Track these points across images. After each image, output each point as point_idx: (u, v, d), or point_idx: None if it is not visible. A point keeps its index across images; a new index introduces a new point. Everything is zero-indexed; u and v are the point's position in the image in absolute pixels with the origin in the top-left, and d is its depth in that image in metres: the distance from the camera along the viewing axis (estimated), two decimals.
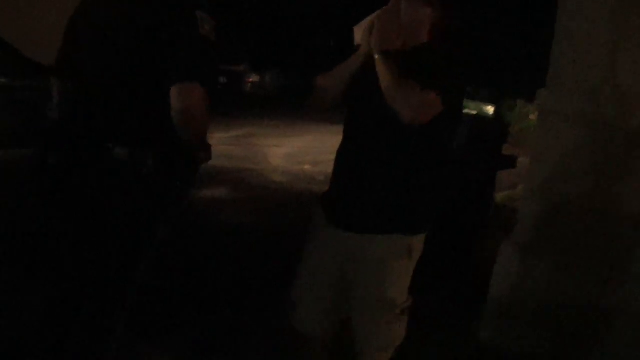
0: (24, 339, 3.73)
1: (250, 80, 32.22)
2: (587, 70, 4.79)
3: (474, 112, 24.38)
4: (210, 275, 6.12)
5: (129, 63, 3.18)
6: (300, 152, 14.67)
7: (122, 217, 3.20)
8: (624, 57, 4.67)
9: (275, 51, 38.32)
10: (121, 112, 3.18)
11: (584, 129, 4.80)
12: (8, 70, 6.67)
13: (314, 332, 3.54)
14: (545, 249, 5.00)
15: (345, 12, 43.46)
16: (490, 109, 26.41)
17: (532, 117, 24.05)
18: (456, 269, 6.08)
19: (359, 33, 3.35)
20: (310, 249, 3.49)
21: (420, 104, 3.06)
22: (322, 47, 43.27)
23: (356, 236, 3.30)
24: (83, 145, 3.21)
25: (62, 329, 3.35)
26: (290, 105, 27.17)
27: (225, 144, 14.96)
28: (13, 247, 5.62)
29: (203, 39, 3.15)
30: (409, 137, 3.19)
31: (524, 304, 5.02)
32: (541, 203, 5.00)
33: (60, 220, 3.38)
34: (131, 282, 3.36)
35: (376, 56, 3.18)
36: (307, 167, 12.14)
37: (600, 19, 4.70)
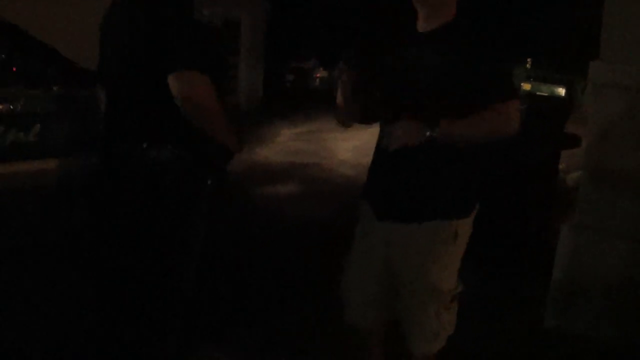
0: (81, 343, 3.81)
1: (319, 75, 32.23)
2: (638, 39, 4.68)
3: (545, 94, 24.10)
4: (280, 271, 6.15)
5: (135, 61, 3.20)
6: (367, 144, 14.00)
7: (161, 214, 3.25)
8: None
9: (342, 45, 38.19)
10: (141, 111, 3.22)
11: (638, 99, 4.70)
12: (64, 79, 6.78)
13: (365, 326, 3.55)
14: (605, 228, 4.90)
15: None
16: (561, 91, 25.99)
17: None
18: (519, 253, 6.01)
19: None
20: (357, 243, 3.50)
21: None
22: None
23: (399, 226, 3.27)
24: (119, 147, 3.27)
25: (118, 332, 3.41)
26: None
27: (293, 140, 15.03)
28: (71, 250, 5.71)
29: (200, 25, 3.12)
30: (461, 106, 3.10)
31: (587, 288, 4.94)
32: (599, 180, 4.90)
33: (112, 223, 3.44)
34: (185, 280, 3.39)
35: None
36: None
37: None
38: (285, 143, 14.57)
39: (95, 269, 3.54)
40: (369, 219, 3.39)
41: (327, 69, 32.95)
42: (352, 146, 14.06)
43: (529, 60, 27.98)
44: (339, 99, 3.40)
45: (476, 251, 3.52)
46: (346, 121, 3.57)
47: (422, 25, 3.23)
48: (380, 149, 3.29)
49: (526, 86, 25.94)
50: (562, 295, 5.05)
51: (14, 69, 7.02)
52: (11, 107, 6.34)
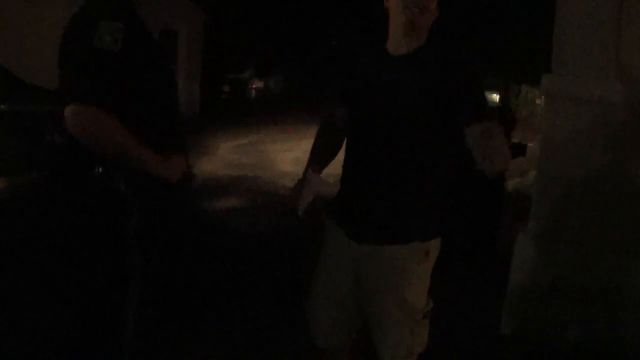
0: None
1: (255, 86, 32.32)
2: (590, 50, 4.72)
3: None
4: (226, 286, 6.04)
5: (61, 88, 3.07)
6: (308, 156, 14.09)
7: (103, 234, 3.10)
8: (628, 34, 4.62)
9: (278, 56, 38.37)
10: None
11: (592, 110, 4.74)
12: (8, 96, 6.66)
13: (332, 345, 3.48)
14: (561, 235, 4.94)
15: (345, 11, 43.60)
16: (495, 97, 26.42)
17: (539, 101, 24.07)
18: (474, 263, 6.04)
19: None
20: (323, 262, 3.40)
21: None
22: (324, 47, 43.30)
23: (372, 246, 3.20)
24: (72, 167, 3.16)
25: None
26: (295, 109, 27.33)
27: (234, 153, 14.99)
28: (24, 265, 5.60)
29: (99, 52, 2.88)
30: (424, 142, 3.11)
31: (543, 294, 4.96)
32: (554, 189, 4.94)
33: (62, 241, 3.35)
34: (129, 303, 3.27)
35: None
36: None
37: None
38: (224, 156, 14.52)
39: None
40: (337, 237, 3.29)
41: (263, 80, 33.13)
42: (292, 157, 14.07)
43: None
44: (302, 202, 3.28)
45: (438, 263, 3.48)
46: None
47: (395, 49, 3.17)
48: (351, 170, 3.26)
49: None
50: (518, 301, 5.08)
51: None
52: None
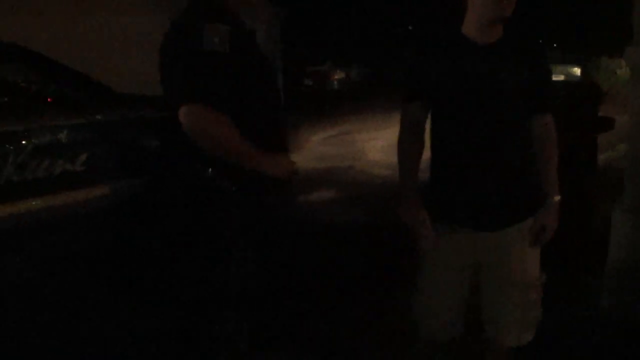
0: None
1: (336, 77, 32.27)
2: None
3: (562, 77, 24.05)
4: (325, 279, 6.17)
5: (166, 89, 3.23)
6: (397, 143, 13.95)
7: (213, 233, 3.26)
8: None
9: (357, 44, 38.26)
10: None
11: None
12: (102, 106, 6.85)
13: (447, 338, 3.61)
14: None
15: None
16: (577, 71, 25.95)
17: (620, 72, 23.56)
18: (570, 239, 6.04)
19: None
20: (434, 259, 3.48)
21: None
22: (401, 33, 43.04)
23: (494, 233, 3.35)
24: (180, 170, 3.28)
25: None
26: (380, 96, 27.19)
27: (323, 145, 15.04)
28: (129, 273, 5.83)
29: (209, 54, 3.01)
30: (517, 125, 3.31)
31: None
32: None
33: (168, 243, 3.51)
34: (240, 294, 3.39)
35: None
36: None
37: None
38: (314, 149, 14.62)
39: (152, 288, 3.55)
40: (451, 232, 3.39)
41: (343, 70, 33.07)
42: (381, 146, 14.03)
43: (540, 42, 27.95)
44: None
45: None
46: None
47: (481, 38, 3.27)
48: (453, 159, 3.35)
49: None
50: (616, 276, 5.07)
51: (49, 99, 7.11)
52: (55, 138, 6.42)
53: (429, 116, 3.45)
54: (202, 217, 3.26)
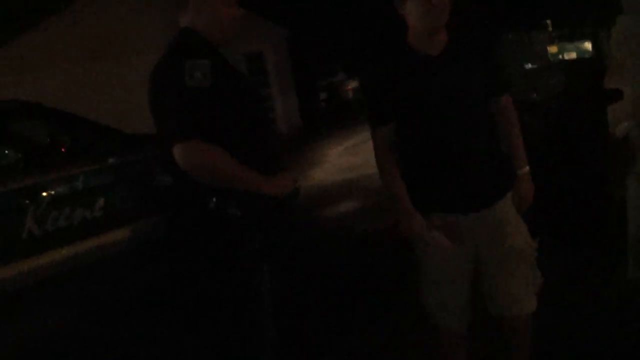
0: None
1: (350, 87, 32.28)
2: None
3: (573, 55, 23.91)
4: (354, 287, 6.20)
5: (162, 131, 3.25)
6: None
7: (231, 261, 3.28)
8: None
9: (365, 53, 38.22)
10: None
11: None
12: (113, 149, 6.94)
13: (459, 325, 3.71)
14: None
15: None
16: (588, 45, 25.83)
17: None
18: (591, 212, 6.03)
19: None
20: (436, 253, 3.54)
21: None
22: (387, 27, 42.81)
23: (482, 213, 3.46)
24: (190, 203, 3.30)
25: None
26: None
27: (343, 156, 15.07)
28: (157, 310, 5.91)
29: (192, 90, 3.04)
30: (481, 112, 3.46)
31: None
32: None
33: (189, 276, 3.55)
34: (266, 321, 3.41)
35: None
36: None
37: None
38: (334, 161, 14.68)
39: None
40: (442, 222, 3.47)
41: (356, 79, 33.03)
42: None
43: (548, 22, 27.86)
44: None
45: (548, 218, 3.71)
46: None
47: (429, 49, 3.38)
48: (427, 161, 3.46)
49: (553, 49, 25.81)
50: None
51: (63, 149, 7.20)
52: (71, 187, 6.50)
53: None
54: (216, 246, 3.28)
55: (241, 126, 3.26)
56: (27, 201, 6.21)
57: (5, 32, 15.45)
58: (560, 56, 25.24)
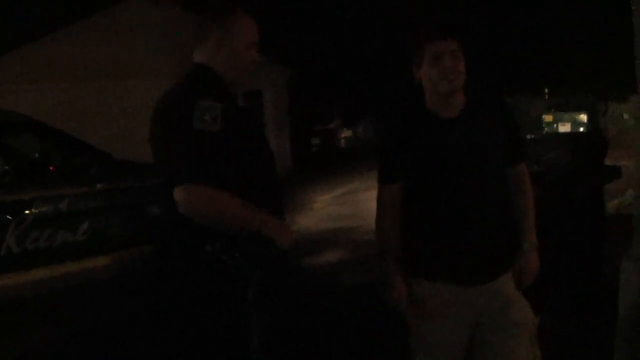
0: None
1: (344, 135, 32.39)
2: None
3: (568, 126, 24.05)
4: (337, 340, 6.09)
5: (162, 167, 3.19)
6: None
7: (223, 307, 3.19)
8: None
9: (363, 103, 38.50)
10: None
11: None
12: (103, 174, 6.83)
13: None
14: None
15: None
16: (583, 117, 25.98)
17: (626, 116, 23.63)
18: (582, 292, 5.96)
19: None
20: (430, 323, 3.47)
21: None
22: (411, 88, 43.13)
23: (486, 285, 3.40)
24: (184, 242, 3.21)
25: None
26: None
27: (331, 205, 15.01)
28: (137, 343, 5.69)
29: (200, 134, 2.99)
30: (495, 180, 3.41)
31: None
32: None
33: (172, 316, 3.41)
34: None
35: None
36: None
37: None
38: (322, 209, 14.58)
39: None
40: (441, 292, 3.41)
41: (351, 128, 33.16)
42: None
43: (546, 90, 28.13)
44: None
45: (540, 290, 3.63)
46: None
47: (445, 113, 3.38)
48: (434, 226, 3.41)
49: (548, 117, 26.00)
50: (629, 330, 4.94)
51: (52, 168, 7.10)
52: (56, 208, 6.38)
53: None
54: (208, 291, 3.19)
55: (247, 169, 3.20)
56: (9, 217, 6.08)
57: (9, 41, 15.47)
58: (555, 125, 25.42)
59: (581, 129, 24.47)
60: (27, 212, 6.23)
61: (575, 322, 5.68)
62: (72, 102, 15.18)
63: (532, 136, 14.80)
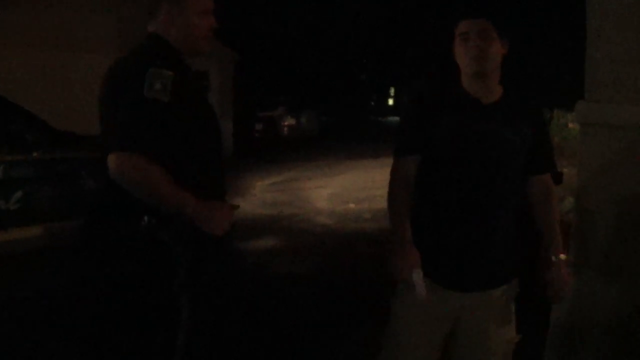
0: None
1: (287, 123, 32.40)
2: (625, 76, 4.65)
3: None
4: (269, 328, 6.04)
5: (105, 134, 3.13)
6: (344, 191, 14.60)
7: (150, 285, 3.13)
8: None
9: (309, 92, 38.54)
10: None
11: (628, 136, 4.66)
12: (40, 143, 6.71)
13: None
14: (602, 265, 4.84)
15: (374, 45, 43.69)
16: None
17: (571, 125, 23.95)
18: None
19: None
20: (409, 316, 3.39)
21: None
22: (354, 82, 43.32)
23: (479, 293, 3.32)
24: (117, 215, 3.14)
25: None
26: (328, 145, 27.33)
27: (269, 191, 14.97)
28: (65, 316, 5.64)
29: (149, 102, 2.92)
30: (511, 186, 3.30)
31: (586, 328, 4.82)
32: (593, 217, 4.86)
33: (101, 288, 3.38)
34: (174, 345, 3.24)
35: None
36: (352, 205, 11.94)
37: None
38: (260, 195, 14.53)
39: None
40: (431, 290, 3.23)
41: (294, 117, 33.18)
42: (327, 194, 14.05)
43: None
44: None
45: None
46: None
47: (482, 97, 3.30)
48: (441, 219, 3.30)
49: None
50: (559, 335, 4.97)
51: None
52: None
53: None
54: (139, 267, 3.12)
55: (192, 145, 3.13)
56: None
57: None
58: None
59: None
60: None
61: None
62: (16, 70, 14.87)
63: None
